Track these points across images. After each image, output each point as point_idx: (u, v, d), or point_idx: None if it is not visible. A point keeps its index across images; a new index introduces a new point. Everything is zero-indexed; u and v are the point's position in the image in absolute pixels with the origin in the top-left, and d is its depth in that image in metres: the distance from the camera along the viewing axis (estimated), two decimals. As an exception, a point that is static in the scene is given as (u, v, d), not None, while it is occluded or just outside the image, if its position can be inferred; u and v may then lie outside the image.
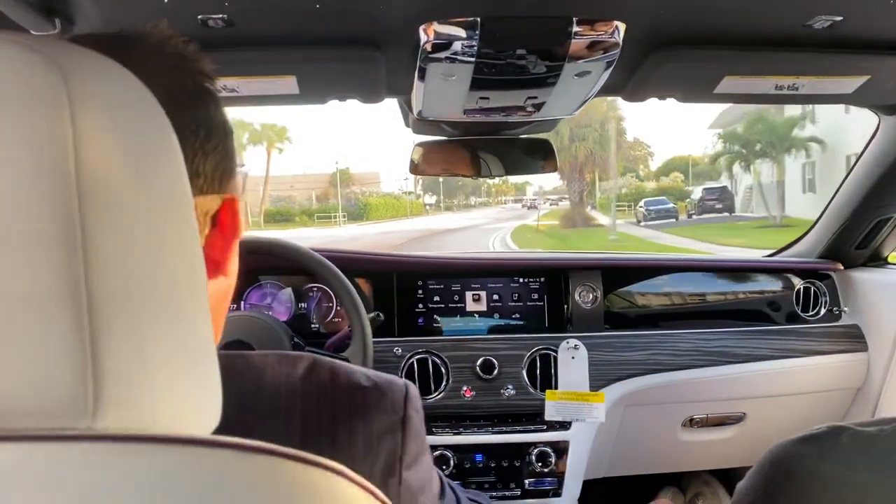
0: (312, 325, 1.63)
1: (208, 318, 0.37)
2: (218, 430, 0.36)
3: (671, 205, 31.40)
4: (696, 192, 33.85)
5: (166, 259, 0.34)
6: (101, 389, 0.30)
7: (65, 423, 0.29)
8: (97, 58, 0.34)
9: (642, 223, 29.04)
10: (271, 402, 0.49)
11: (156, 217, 0.34)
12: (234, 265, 0.48)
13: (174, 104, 0.36)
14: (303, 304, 1.64)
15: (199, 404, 0.36)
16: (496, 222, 36.12)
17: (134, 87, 0.35)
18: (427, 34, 0.93)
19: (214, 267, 0.39)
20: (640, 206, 31.96)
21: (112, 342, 0.31)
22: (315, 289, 1.64)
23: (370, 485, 0.33)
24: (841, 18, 0.96)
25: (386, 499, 0.34)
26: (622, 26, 0.94)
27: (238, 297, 1.62)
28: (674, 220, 28.85)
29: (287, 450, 0.31)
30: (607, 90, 1.19)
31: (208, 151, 0.43)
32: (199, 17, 0.91)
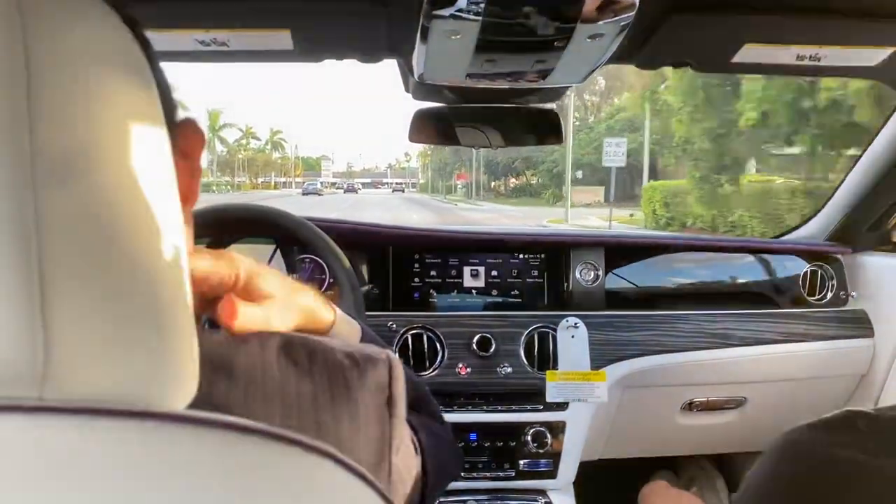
0: None
1: (185, 278, 0.33)
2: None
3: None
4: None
5: (136, 208, 0.30)
6: (52, 357, 0.27)
7: (11, 392, 0.26)
8: None
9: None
10: (246, 383, 0.44)
11: (125, 156, 0.29)
12: (197, 194, 0.45)
13: None
14: (294, 276, 1.59)
15: (170, 375, 0.32)
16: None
17: (96, 5, 0.31)
18: None
19: (182, 200, 0.35)
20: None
21: (66, 304, 0.27)
22: (308, 260, 1.59)
23: (360, 468, 0.30)
24: None
25: (376, 482, 0.31)
26: None
27: None
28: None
29: (264, 427, 0.28)
30: (619, 57, 1.12)
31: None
32: None
